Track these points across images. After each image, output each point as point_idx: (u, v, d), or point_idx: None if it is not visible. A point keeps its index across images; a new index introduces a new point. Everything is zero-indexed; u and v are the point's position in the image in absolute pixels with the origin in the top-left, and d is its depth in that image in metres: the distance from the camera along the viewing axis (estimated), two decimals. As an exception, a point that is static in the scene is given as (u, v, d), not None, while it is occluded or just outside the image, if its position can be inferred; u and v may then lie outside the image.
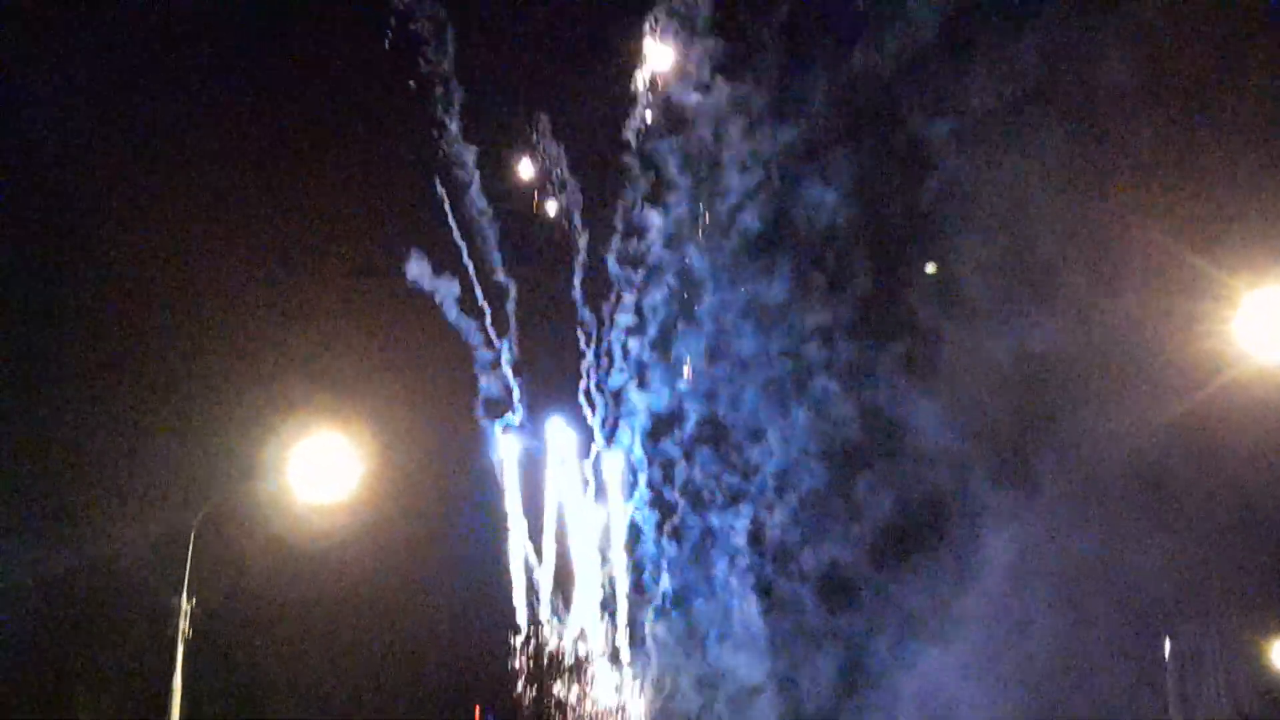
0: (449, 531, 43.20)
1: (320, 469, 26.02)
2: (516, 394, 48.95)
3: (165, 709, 22.51)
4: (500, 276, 48.88)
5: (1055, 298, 45.14)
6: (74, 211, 38.48)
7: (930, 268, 49.96)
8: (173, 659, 22.80)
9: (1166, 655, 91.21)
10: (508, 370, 48.70)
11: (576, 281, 49.75)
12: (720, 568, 52.67)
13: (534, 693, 46.70)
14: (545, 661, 47.89)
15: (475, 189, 48.79)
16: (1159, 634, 73.87)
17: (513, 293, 48.88)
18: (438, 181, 47.67)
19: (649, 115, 50.63)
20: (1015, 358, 45.61)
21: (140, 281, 38.42)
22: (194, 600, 23.91)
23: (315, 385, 37.39)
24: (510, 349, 48.78)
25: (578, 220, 50.36)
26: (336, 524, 29.87)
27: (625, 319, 50.68)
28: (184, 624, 23.23)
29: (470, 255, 48.72)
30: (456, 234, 48.08)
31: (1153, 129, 45.27)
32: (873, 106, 50.14)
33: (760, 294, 51.72)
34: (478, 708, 45.95)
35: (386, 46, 45.75)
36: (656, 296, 51.05)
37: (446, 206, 47.99)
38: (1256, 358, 17.00)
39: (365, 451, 26.56)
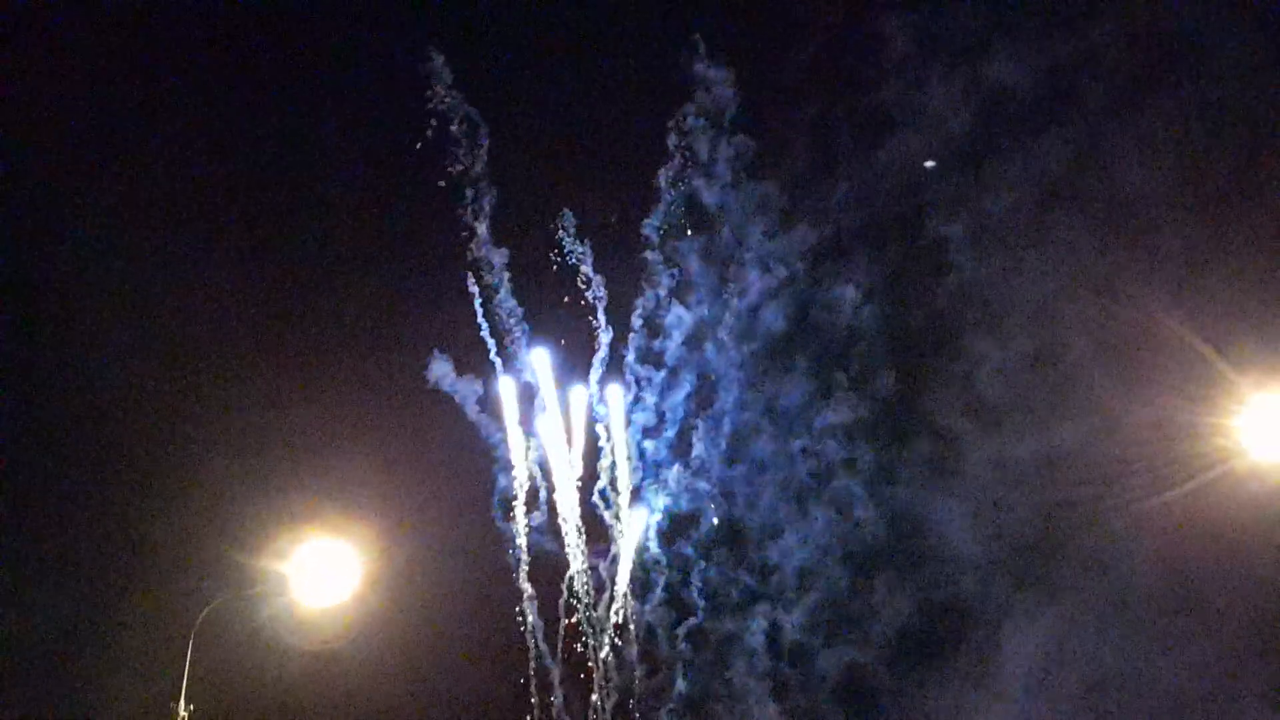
0: (460, 633, 42.53)
1: (323, 572, 25.75)
2: (542, 494, 48.64)
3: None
4: (529, 376, 48.79)
5: (1072, 396, 44.59)
6: (89, 305, 38.71)
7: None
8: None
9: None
10: (536, 468, 48.41)
11: (593, 380, 49.59)
12: (738, 670, 51.72)
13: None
14: None
15: (504, 290, 48.86)
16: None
17: (539, 390, 48.75)
18: (470, 279, 47.79)
19: (673, 213, 50.81)
20: (1034, 457, 44.88)
21: (148, 381, 38.53)
22: (191, 706, 23.56)
23: (321, 488, 37.18)
24: (539, 447, 48.54)
25: (601, 317, 50.33)
26: (339, 627, 29.60)
27: (644, 418, 50.29)
28: (182, 730, 22.90)
29: (498, 353, 48.67)
30: (486, 331, 48.06)
31: (1172, 230, 45.08)
32: (897, 207, 50.17)
33: (781, 393, 51.31)
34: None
35: (419, 146, 46.01)
36: (676, 396, 50.61)
37: (477, 304, 48.08)
38: (1253, 455, 16.56)
39: (370, 554, 26.37)
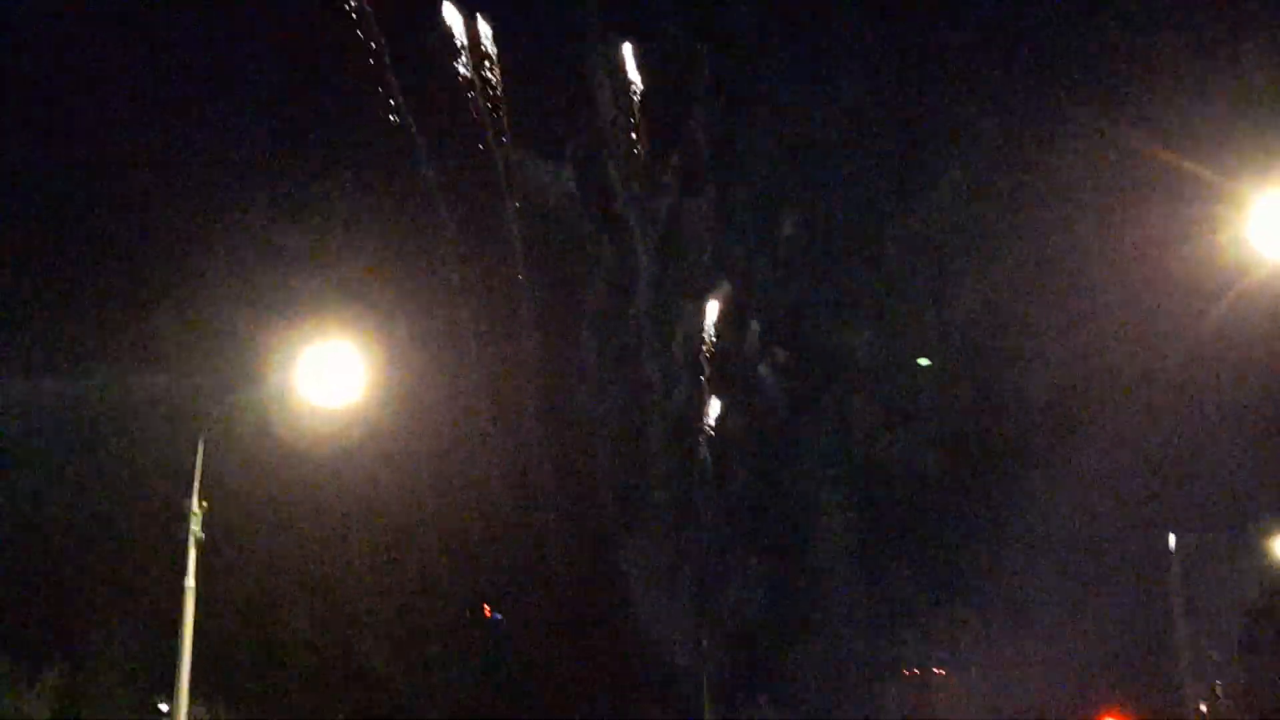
0: (464, 434, 42.76)
1: (330, 373, 25.62)
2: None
3: (178, 613, 22.50)
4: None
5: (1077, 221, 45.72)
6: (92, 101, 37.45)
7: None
8: (184, 562, 22.68)
9: (1171, 548, 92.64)
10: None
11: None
12: (803, 463, 53.09)
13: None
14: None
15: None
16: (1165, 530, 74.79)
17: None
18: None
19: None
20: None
21: (151, 186, 37.65)
22: (204, 503, 23.68)
23: (326, 288, 36.88)
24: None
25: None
26: (346, 429, 29.73)
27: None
28: (195, 527, 23.06)
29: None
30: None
31: (1154, 55, 45.18)
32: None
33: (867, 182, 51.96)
34: (486, 608, 46.20)
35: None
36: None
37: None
38: (1271, 260, 16.57)
39: (375, 356, 26.33)
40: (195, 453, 24.04)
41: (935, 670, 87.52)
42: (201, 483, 23.73)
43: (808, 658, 60.17)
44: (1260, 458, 46.11)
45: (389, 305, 36.60)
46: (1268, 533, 46.30)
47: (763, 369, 53.74)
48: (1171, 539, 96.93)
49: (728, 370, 54.02)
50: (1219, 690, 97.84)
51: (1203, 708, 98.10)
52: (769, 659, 59.12)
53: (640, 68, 50.20)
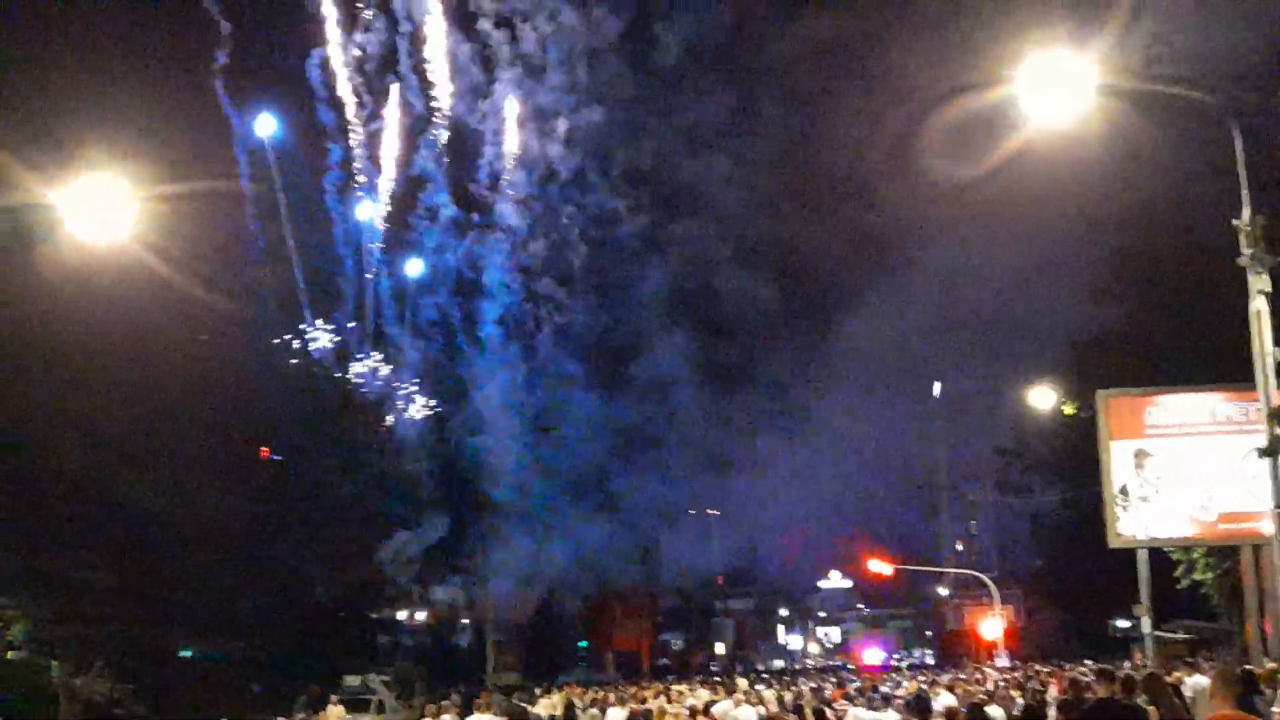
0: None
1: (97, 207, 24.56)
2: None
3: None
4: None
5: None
6: None
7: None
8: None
9: (936, 395, 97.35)
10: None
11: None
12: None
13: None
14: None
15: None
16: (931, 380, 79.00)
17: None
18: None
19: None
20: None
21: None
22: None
23: (94, 112, 34.85)
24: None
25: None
26: (115, 258, 28.51)
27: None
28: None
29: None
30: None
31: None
32: None
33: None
34: (264, 450, 45.56)
35: None
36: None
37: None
38: (1036, 118, 17.03)
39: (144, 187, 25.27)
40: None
41: (710, 511, 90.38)
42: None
43: (638, 491, 61.56)
44: (1020, 320, 49.51)
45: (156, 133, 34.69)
46: (1021, 385, 49.75)
47: (615, 203, 53.60)
48: (937, 387, 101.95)
49: (580, 202, 53.60)
50: (974, 529, 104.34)
51: (959, 545, 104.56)
52: (603, 491, 60.20)
53: None
